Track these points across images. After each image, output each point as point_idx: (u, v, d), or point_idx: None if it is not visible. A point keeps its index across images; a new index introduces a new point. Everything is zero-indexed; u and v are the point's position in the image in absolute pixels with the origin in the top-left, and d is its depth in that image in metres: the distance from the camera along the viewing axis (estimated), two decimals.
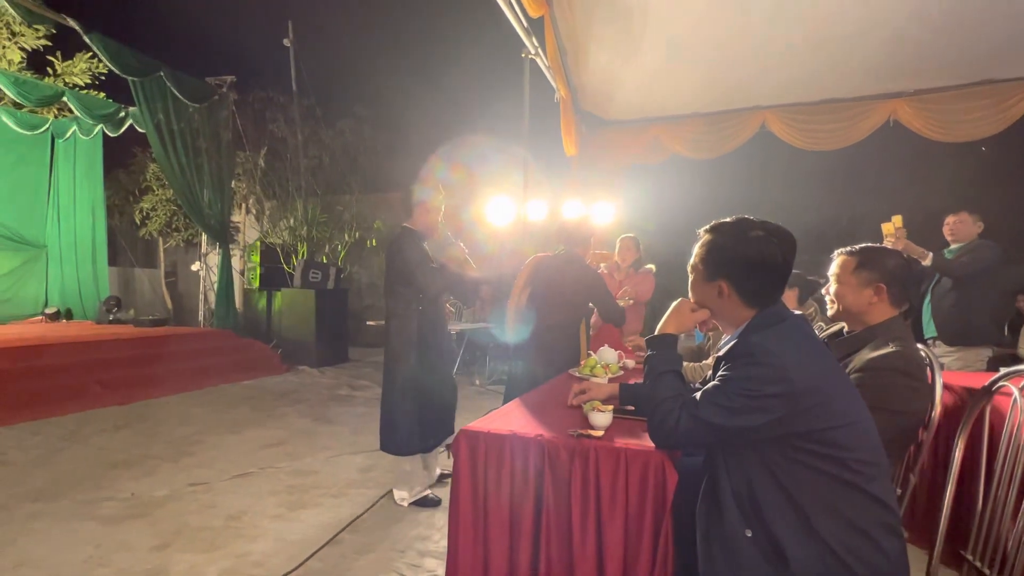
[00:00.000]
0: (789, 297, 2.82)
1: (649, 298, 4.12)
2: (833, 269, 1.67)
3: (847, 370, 1.49)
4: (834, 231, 6.80)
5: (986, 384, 1.55)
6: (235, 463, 3.41)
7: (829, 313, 1.69)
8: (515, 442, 1.46)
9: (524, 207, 5.15)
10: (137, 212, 9.70)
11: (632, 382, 1.79)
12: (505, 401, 2.86)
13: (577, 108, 5.07)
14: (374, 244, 9.24)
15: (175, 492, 2.94)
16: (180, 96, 6.68)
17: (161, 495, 2.89)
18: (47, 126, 7.95)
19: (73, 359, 5.16)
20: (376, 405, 3.01)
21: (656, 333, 1.41)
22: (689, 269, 1.35)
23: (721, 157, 5.34)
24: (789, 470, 1.13)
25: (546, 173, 6.15)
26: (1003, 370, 1.53)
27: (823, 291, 1.76)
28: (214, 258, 7.97)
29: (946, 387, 1.75)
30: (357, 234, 9.28)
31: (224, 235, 7.53)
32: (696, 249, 1.32)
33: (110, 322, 7.76)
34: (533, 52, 4.20)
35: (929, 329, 3.53)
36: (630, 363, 2.53)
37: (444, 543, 1.58)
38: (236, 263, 8.45)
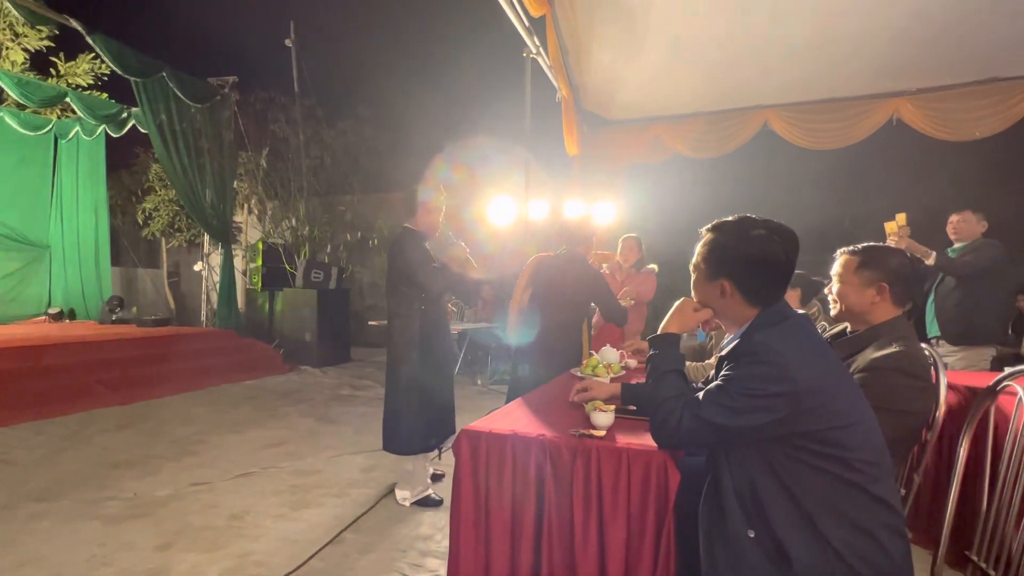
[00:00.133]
0: (792, 297, 2.80)
1: (651, 298, 4.11)
2: (836, 269, 1.66)
3: (851, 370, 1.48)
4: (836, 231, 6.76)
5: (990, 384, 1.55)
6: (237, 463, 3.41)
7: (832, 313, 1.68)
8: (517, 442, 1.46)
9: (526, 207, 5.14)
10: (140, 212, 9.73)
11: (634, 382, 1.79)
12: (508, 401, 2.86)
13: (579, 108, 5.06)
14: (376, 243, 9.25)
15: (177, 492, 2.94)
16: (182, 96, 6.69)
17: (163, 495, 2.90)
18: (50, 127, 7.98)
19: (76, 359, 5.17)
20: (378, 405, 3.01)
21: (659, 332, 1.41)
22: (691, 268, 1.34)
23: (723, 157, 5.34)
24: (792, 470, 1.12)
25: (548, 173, 6.15)
26: (1007, 370, 1.53)
27: (826, 291, 1.75)
28: (216, 258, 7.99)
29: (950, 387, 1.74)
30: (359, 234, 9.29)
31: (226, 235, 7.54)
32: (698, 248, 1.32)
33: (113, 322, 7.78)
34: (535, 52, 4.20)
35: (932, 328, 3.51)
36: (632, 363, 2.53)
37: (446, 543, 1.58)
38: (238, 263, 8.47)
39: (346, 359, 7.93)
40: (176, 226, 9.71)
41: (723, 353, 1.27)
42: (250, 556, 2.27)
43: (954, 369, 3.14)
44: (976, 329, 3.31)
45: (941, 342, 3.43)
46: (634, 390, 1.69)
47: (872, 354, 1.48)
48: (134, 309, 8.82)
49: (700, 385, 1.51)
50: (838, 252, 1.67)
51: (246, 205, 8.94)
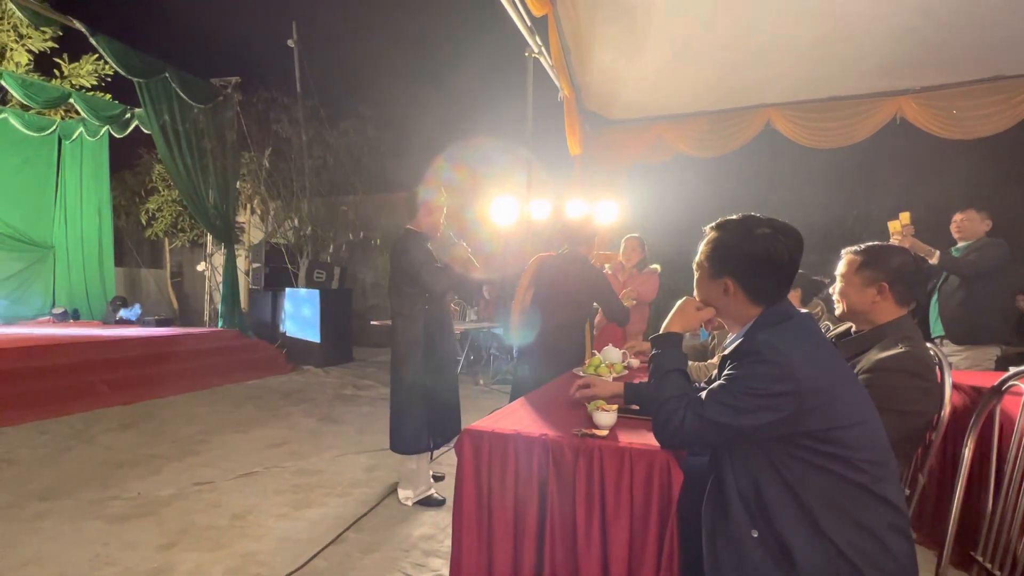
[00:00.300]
0: (792, 297, 2.79)
1: (653, 298, 4.10)
2: (840, 268, 1.66)
3: (856, 370, 1.47)
4: (840, 230, 6.74)
5: (995, 384, 1.54)
6: (240, 462, 3.42)
7: (836, 312, 1.68)
8: (519, 441, 1.46)
9: (528, 207, 5.14)
10: (143, 213, 9.76)
11: (637, 381, 1.78)
12: (511, 401, 2.86)
13: (581, 107, 5.05)
14: (378, 243, 9.27)
15: (181, 491, 2.95)
16: (185, 97, 6.71)
17: (167, 494, 2.90)
18: (54, 128, 8.01)
19: (80, 359, 5.19)
20: (380, 405, 3.02)
21: (661, 332, 1.40)
22: (694, 267, 1.34)
23: (725, 156, 5.31)
24: (795, 470, 1.12)
25: (549, 172, 6.14)
26: (1012, 369, 1.52)
27: (830, 290, 1.74)
28: (219, 258, 8.01)
29: (955, 387, 1.73)
30: (361, 234, 9.30)
31: (229, 235, 7.56)
32: (702, 246, 1.31)
33: (116, 322, 7.81)
34: (537, 51, 4.19)
35: (936, 328, 3.50)
36: (635, 363, 2.52)
37: (448, 542, 1.58)
38: (241, 263, 8.48)
39: (349, 359, 7.94)
40: (179, 226, 9.74)
41: (726, 352, 1.27)
42: (253, 555, 2.27)
43: (958, 369, 3.13)
44: (980, 329, 3.29)
45: (945, 342, 3.42)
46: (637, 389, 1.69)
47: (877, 355, 1.47)
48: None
49: (703, 384, 1.50)
50: (843, 251, 1.67)
51: (249, 205, 8.97)
